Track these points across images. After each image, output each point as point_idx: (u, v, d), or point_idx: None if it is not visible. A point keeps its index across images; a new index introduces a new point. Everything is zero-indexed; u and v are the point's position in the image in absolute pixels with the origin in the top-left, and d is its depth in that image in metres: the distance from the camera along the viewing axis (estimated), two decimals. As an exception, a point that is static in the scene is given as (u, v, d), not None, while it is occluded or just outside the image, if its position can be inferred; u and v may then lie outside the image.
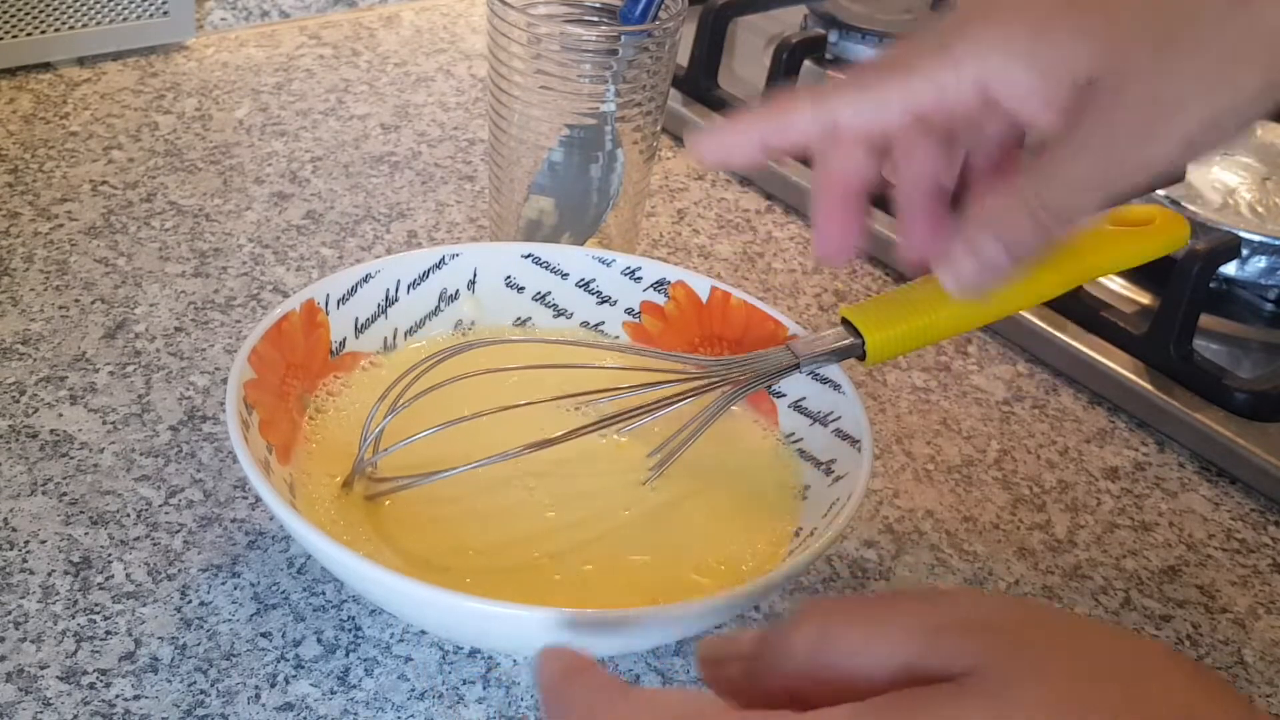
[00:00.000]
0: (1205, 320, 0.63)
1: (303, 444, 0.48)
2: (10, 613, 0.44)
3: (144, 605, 0.45)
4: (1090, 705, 0.26)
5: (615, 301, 0.55)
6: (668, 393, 0.47)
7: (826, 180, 0.42)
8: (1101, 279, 0.68)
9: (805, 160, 0.74)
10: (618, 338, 0.56)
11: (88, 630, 0.44)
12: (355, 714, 0.42)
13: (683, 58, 0.79)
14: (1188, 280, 0.60)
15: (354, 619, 0.46)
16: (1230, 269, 0.67)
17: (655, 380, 0.48)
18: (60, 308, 0.58)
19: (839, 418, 0.49)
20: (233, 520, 0.49)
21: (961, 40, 0.39)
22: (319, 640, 0.45)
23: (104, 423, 0.52)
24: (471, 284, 0.54)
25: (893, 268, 0.69)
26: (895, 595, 0.31)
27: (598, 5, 0.60)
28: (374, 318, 0.52)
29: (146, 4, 0.78)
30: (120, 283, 0.60)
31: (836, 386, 0.49)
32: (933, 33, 0.40)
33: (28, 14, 0.74)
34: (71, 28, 0.76)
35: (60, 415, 0.53)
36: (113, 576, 0.46)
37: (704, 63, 0.80)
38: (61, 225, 0.64)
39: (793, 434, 0.51)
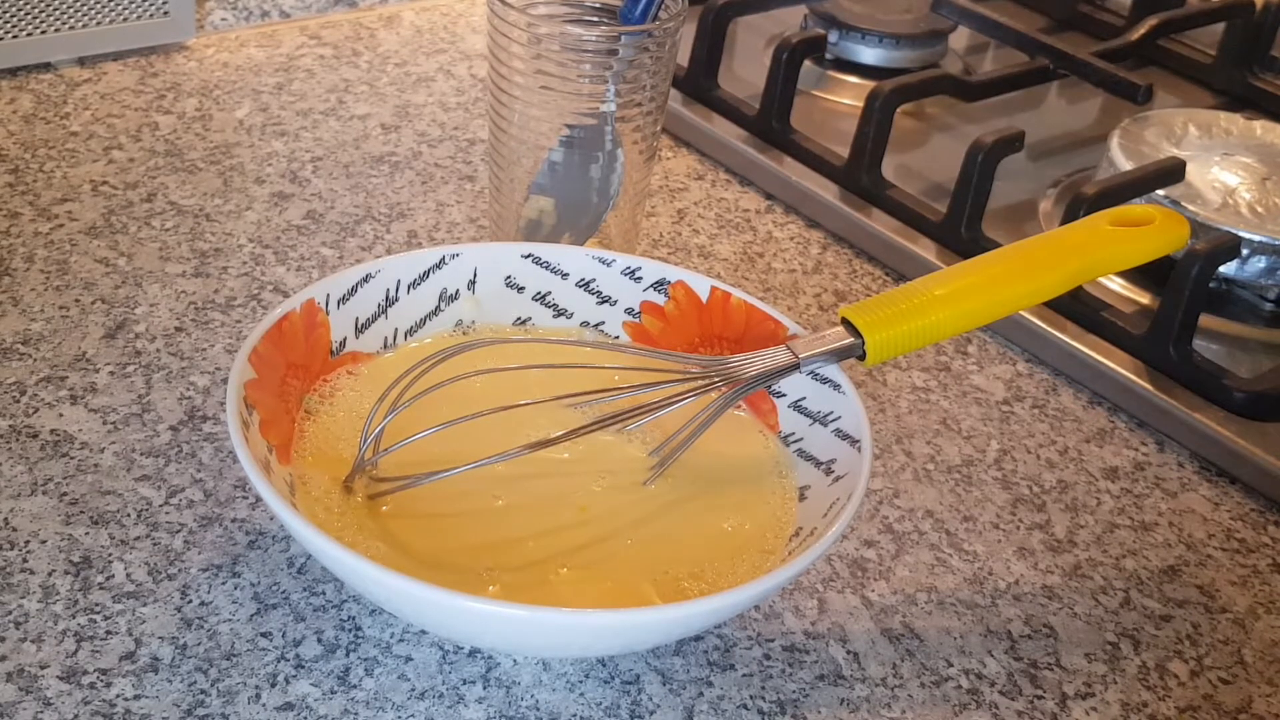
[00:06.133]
0: (1205, 320, 0.63)
1: (303, 444, 0.48)
2: (10, 613, 0.44)
3: (144, 605, 0.45)
4: None
5: (615, 301, 0.55)
6: (668, 392, 0.47)
7: None
8: (1101, 279, 0.68)
9: (805, 160, 0.74)
10: (618, 338, 0.56)
11: (88, 630, 0.44)
12: (355, 714, 0.42)
13: (683, 58, 0.79)
14: (1187, 280, 0.60)
15: (354, 619, 0.46)
16: (1230, 269, 0.67)
17: (655, 380, 0.48)
18: (60, 308, 0.58)
19: (839, 418, 0.49)
20: (233, 520, 0.49)
21: None
22: (319, 640, 0.45)
23: (104, 423, 0.53)
24: (471, 284, 0.54)
25: (893, 268, 0.69)
26: None
27: (598, 5, 0.60)
28: (374, 318, 0.52)
29: (147, 4, 0.78)
30: (120, 283, 0.60)
31: (836, 386, 0.49)
32: None
33: (28, 14, 0.74)
34: (71, 28, 0.76)
35: (60, 415, 0.53)
36: (113, 576, 0.46)
37: (704, 63, 0.80)
38: (62, 225, 0.64)
39: (793, 434, 0.51)
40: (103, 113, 0.73)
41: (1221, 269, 0.65)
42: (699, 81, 0.80)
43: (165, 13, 0.79)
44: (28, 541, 0.47)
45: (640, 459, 0.50)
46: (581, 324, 0.56)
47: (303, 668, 0.44)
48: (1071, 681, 0.47)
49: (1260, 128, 0.76)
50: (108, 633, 0.44)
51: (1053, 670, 0.47)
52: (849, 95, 0.84)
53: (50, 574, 0.46)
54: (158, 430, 0.52)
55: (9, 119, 0.72)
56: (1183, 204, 0.68)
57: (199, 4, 0.83)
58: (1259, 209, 0.68)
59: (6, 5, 0.73)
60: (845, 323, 0.48)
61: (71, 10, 0.76)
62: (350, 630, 0.45)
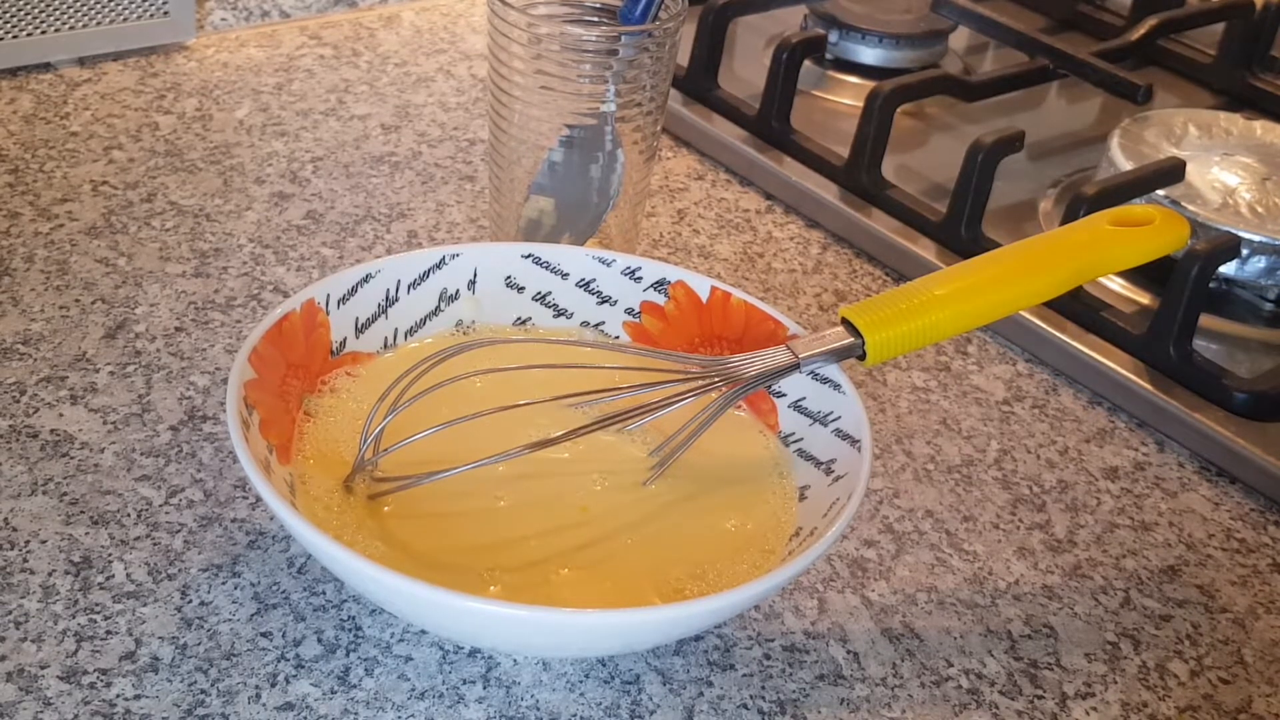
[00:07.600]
0: (1205, 320, 0.63)
1: (303, 444, 0.48)
2: (10, 612, 0.44)
3: (144, 605, 0.45)
4: None
5: (615, 301, 0.55)
6: (668, 393, 0.47)
7: None
8: (1101, 279, 0.68)
9: (805, 160, 0.74)
10: (618, 338, 0.56)
11: (88, 630, 0.44)
12: (355, 714, 0.42)
13: (683, 58, 0.79)
14: (1187, 280, 0.60)
15: (354, 619, 0.46)
16: (1230, 269, 0.67)
17: (655, 380, 0.48)
18: (61, 308, 0.58)
19: (839, 418, 0.49)
20: (233, 520, 0.49)
21: None
22: (319, 640, 0.45)
23: (104, 423, 0.53)
24: (472, 284, 0.54)
25: (893, 268, 0.69)
26: None
27: (598, 5, 0.60)
28: (374, 318, 0.52)
29: (147, 4, 0.78)
30: (121, 283, 0.60)
31: (836, 386, 0.49)
32: None
33: (28, 14, 0.74)
34: (72, 28, 0.76)
35: (61, 415, 0.53)
36: (113, 576, 0.46)
37: (704, 63, 0.80)
38: (62, 225, 0.64)
39: (793, 434, 0.51)
40: (103, 113, 0.73)
41: (1221, 269, 0.66)
42: (699, 81, 0.80)
43: (165, 13, 0.79)
44: (28, 541, 0.47)
45: (640, 459, 0.50)
46: (581, 324, 0.56)
47: (303, 668, 0.44)
48: (1071, 681, 0.47)
49: (1260, 128, 0.76)
50: (108, 633, 0.44)
51: (1053, 670, 0.47)
52: (849, 95, 0.84)
53: (50, 574, 0.46)
54: (158, 430, 0.52)
55: (9, 119, 0.72)
56: (1183, 204, 0.68)
57: (199, 4, 0.83)
58: (1259, 209, 0.68)
59: (6, 5, 0.73)
60: (845, 323, 0.48)
61: (71, 10, 0.76)
62: (350, 630, 0.45)
